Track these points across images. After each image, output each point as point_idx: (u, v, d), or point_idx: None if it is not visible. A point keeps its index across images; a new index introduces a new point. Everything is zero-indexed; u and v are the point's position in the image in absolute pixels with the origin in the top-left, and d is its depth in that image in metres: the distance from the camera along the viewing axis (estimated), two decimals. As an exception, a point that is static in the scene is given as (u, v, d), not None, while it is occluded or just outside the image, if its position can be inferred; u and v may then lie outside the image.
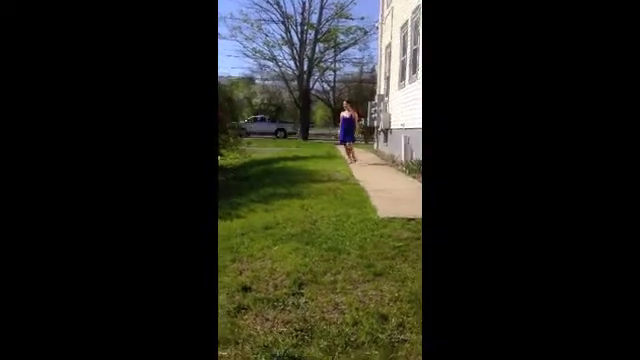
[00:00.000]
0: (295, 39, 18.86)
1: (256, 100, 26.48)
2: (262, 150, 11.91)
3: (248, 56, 19.18)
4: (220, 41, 16.93)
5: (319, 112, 33.65)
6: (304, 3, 18.79)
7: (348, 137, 9.26)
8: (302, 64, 18.87)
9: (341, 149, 11.13)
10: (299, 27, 18.75)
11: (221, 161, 8.51)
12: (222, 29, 19.91)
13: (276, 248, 3.02)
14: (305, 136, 18.68)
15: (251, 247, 3.06)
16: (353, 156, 9.08)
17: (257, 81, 26.65)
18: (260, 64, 20.36)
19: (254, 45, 18.74)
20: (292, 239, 3.20)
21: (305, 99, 18.67)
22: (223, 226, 3.71)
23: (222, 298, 2.32)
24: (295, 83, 19.76)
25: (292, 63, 19.29)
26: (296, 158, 9.84)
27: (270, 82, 25.43)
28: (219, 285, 2.49)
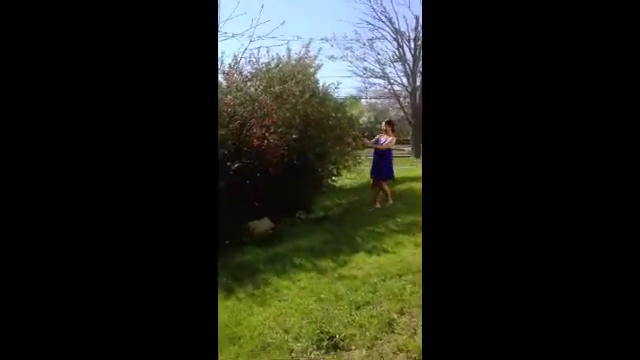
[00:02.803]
0: (408, 55, 18.24)
1: (363, 119, 26.34)
2: (377, 170, 11.42)
3: (359, 75, 18.80)
4: (331, 63, 17.10)
5: (426, 128, 32.55)
6: (417, 18, 18.12)
7: (383, 173, 5.71)
8: (415, 80, 18.12)
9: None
10: (412, 42, 18.10)
11: (339, 182, 8.27)
12: (335, 50, 20.10)
13: (451, 299, 2.45)
14: (418, 154, 17.76)
15: (418, 294, 2.54)
16: (387, 196, 5.74)
17: (362, 100, 26.47)
18: (369, 82, 19.93)
19: (365, 64, 18.45)
20: (466, 287, 2.60)
21: (418, 115, 17.78)
22: (373, 262, 3.26)
23: (403, 368, 1.84)
24: (402, 99, 19.05)
25: (405, 80, 18.60)
26: (418, 179, 9.12)
27: (375, 100, 25.03)
28: (394, 344, 2.05)
